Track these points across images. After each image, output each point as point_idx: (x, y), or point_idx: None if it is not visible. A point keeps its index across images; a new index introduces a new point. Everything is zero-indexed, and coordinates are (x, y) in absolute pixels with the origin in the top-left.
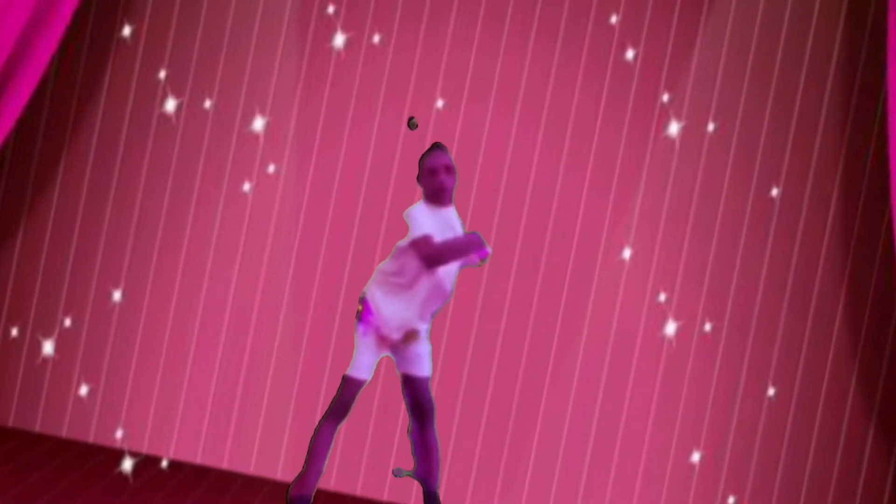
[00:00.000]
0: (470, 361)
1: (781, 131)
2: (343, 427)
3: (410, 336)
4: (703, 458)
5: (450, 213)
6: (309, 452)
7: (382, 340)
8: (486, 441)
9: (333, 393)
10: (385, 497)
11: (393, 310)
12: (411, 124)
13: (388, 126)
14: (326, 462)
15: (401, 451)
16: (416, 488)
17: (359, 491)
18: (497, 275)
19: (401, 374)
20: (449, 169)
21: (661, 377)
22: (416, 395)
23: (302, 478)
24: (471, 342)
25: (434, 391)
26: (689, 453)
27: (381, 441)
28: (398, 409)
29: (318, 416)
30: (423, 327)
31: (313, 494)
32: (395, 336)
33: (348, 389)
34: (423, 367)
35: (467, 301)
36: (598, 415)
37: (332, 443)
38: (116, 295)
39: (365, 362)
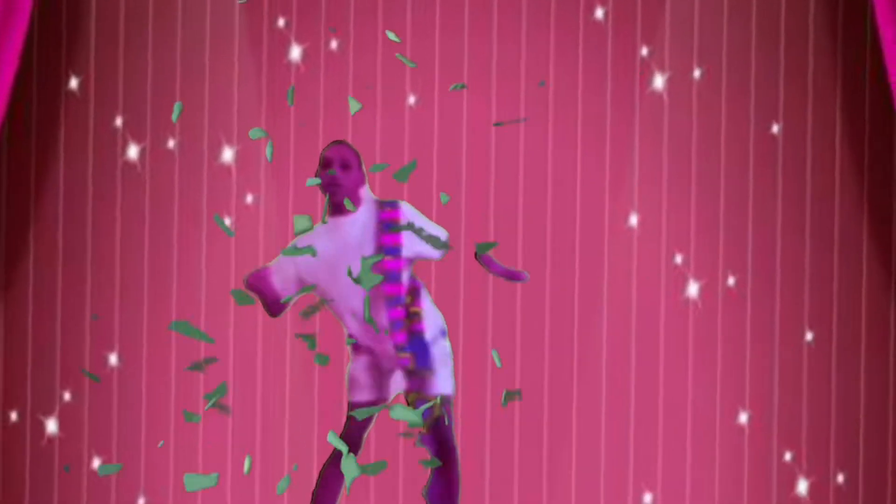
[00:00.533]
0: (491, 362)
1: (771, 64)
2: None
3: (419, 373)
4: (751, 418)
5: (349, 222)
6: (312, 498)
7: (378, 363)
8: (523, 438)
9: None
10: None
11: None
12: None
13: (363, 132)
14: None
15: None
16: None
17: None
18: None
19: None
20: (346, 164)
21: (692, 341)
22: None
23: None
24: (488, 341)
25: (459, 395)
26: (736, 414)
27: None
28: None
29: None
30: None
31: None
32: (388, 365)
33: (348, 418)
34: (435, 383)
35: (477, 302)
36: (634, 391)
37: (341, 487)
38: (112, 359)
39: (363, 380)
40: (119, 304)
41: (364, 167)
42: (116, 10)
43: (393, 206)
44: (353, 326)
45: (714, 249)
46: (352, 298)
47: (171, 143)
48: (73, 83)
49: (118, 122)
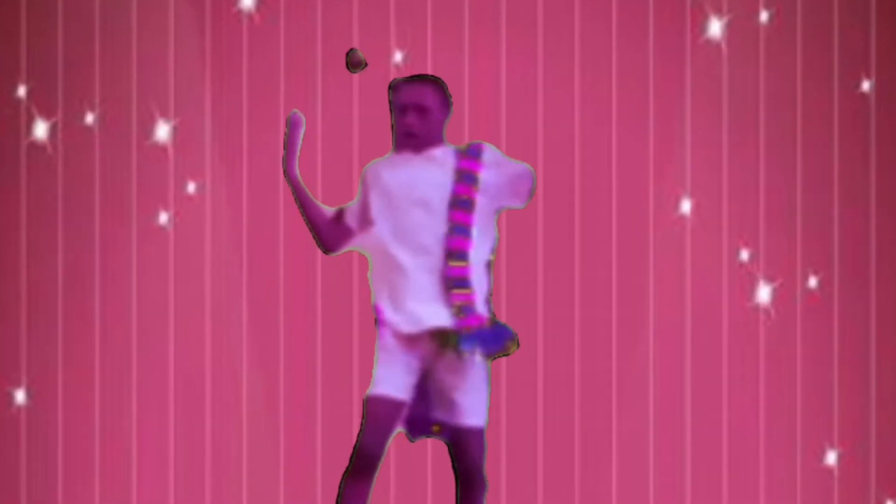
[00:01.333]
0: (511, 369)
1: (860, 4)
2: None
3: (446, 340)
4: (841, 457)
5: (424, 162)
6: None
7: (405, 343)
8: (549, 467)
9: (328, 456)
10: None
11: (392, 296)
12: (353, 61)
13: (335, 99)
14: None
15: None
16: None
17: None
18: (519, 263)
19: (434, 419)
20: (422, 108)
21: (763, 358)
22: (457, 453)
23: None
24: (504, 368)
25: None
26: (823, 453)
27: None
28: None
29: (317, 484)
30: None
31: None
32: (411, 328)
33: (365, 411)
34: (464, 411)
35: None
36: (690, 422)
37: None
38: (20, 396)
39: (383, 374)
40: (26, 326)
41: (450, 102)
42: None
43: (474, 153)
44: (401, 257)
45: (790, 242)
46: (418, 232)
47: (89, 118)
48: None
49: (21, 91)
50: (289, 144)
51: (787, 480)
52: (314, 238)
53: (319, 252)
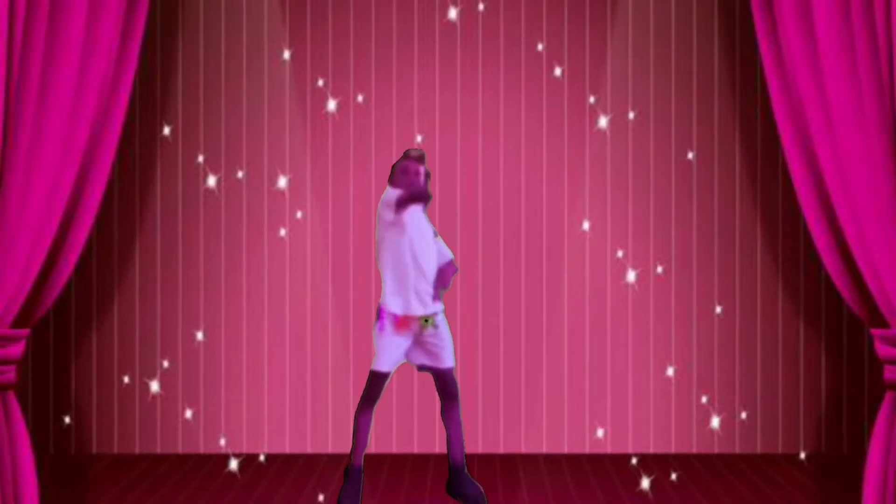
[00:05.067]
0: (482, 327)
1: (686, 107)
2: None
3: (428, 322)
4: (676, 371)
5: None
6: (353, 434)
7: (400, 327)
8: (506, 388)
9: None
10: (415, 449)
11: (393, 288)
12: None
13: (382, 163)
14: (369, 439)
15: (422, 412)
16: (439, 440)
17: (394, 449)
18: (489, 260)
19: (422, 366)
20: (417, 172)
21: (631, 315)
22: (441, 384)
23: (352, 454)
24: (479, 312)
25: (458, 360)
26: (665, 369)
27: (405, 404)
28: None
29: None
30: (435, 306)
31: (362, 464)
32: (418, 311)
33: (374, 381)
34: (444, 358)
35: (471, 280)
36: (588, 353)
37: (371, 424)
38: (199, 336)
39: (384, 358)
40: (203, 296)
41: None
42: (197, 73)
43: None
44: (407, 263)
45: (646, 246)
46: (422, 254)
47: (239, 174)
48: (166, 130)
49: (200, 158)
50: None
51: (644, 385)
52: None
53: (371, 249)
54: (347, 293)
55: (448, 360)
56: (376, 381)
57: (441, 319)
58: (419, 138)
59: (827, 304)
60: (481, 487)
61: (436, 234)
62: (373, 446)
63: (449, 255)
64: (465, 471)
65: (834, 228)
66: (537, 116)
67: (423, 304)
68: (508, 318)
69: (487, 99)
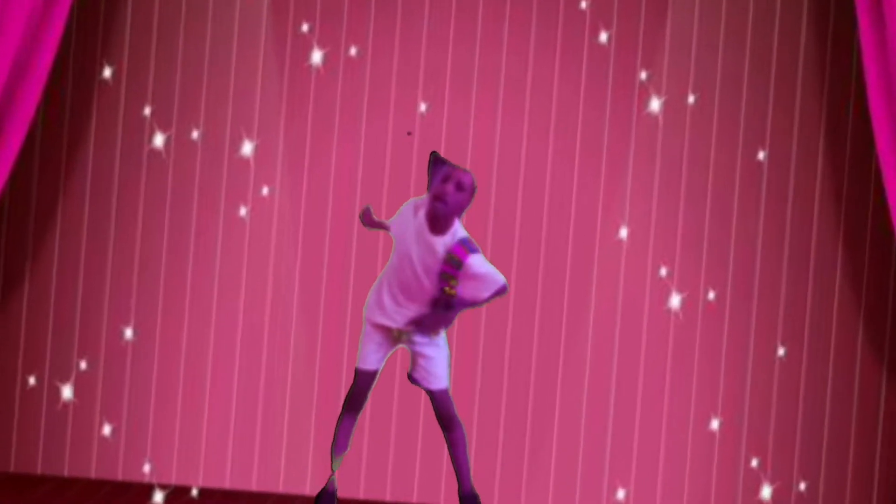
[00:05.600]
0: (483, 353)
1: (761, 94)
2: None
3: (401, 334)
4: (722, 424)
5: (431, 240)
6: (333, 441)
7: (377, 329)
8: (507, 429)
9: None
10: (415, 499)
11: (373, 294)
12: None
13: (375, 136)
14: (349, 445)
15: (426, 452)
16: (444, 488)
17: (388, 496)
18: (498, 268)
19: (412, 378)
20: (461, 186)
21: (671, 349)
22: (433, 406)
23: (332, 466)
24: (481, 336)
25: (453, 388)
26: (708, 421)
27: (405, 444)
28: (420, 409)
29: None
30: (404, 321)
31: (335, 489)
32: (381, 320)
33: (355, 380)
34: (431, 380)
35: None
36: (614, 393)
37: (353, 428)
38: (128, 333)
39: (365, 352)
40: (137, 282)
41: (474, 196)
42: (151, 5)
43: (467, 250)
44: (396, 279)
45: (697, 265)
46: (408, 274)
47: (194, 134)
48: (107, 72)
49: (146, 111)
50: (371, 223)
51: (680, 438)
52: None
53: (355, 236)
54: (318, 294)
55: (435, 383)
56: (357, 380)
57: (441, 335)
58: (423, 107)
59: None
60: None
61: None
62: (361, 492)
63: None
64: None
65: None
66: (573, 91)
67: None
68: (517, 342)
69: (513, 64)
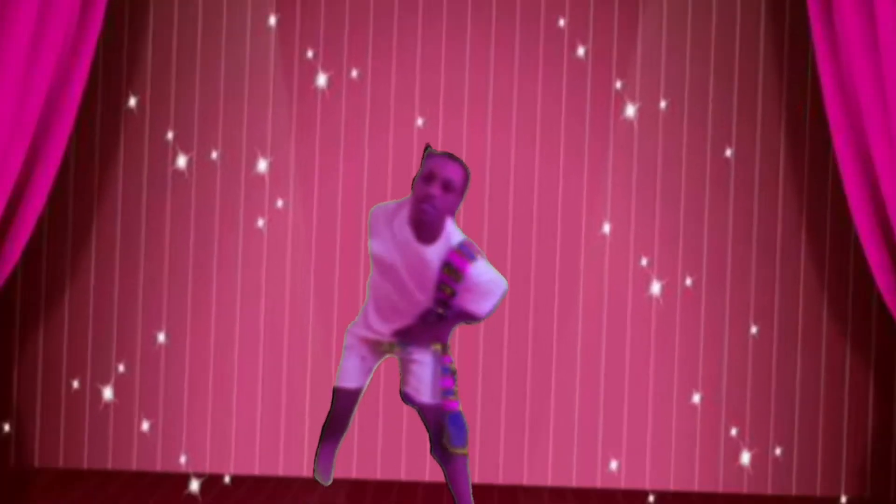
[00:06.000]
0: (483, 340)
1: (726, 98)
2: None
3: (392, 346)
4: (703, 399)
5: (419, 250)
6: (315, 466)
7: (362, 342)
8: (508, 410)
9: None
10: (402, 476)
11: (359, 316)
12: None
13: (377, 149)
14: (332, 472)
15: (411, 436)
16: (429, 467)
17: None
18: (494, 264)
19: (405, 396)
20: (448, 185)
21: (654, 332)
22: (426, 427)
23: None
24: (481, 327)
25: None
26: (690, 395)
27: (392, 427)
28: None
29: None
30: (390, 333)
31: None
32: (366, 334)
33: (334, 401)
34: (423, 391)
35: None
36: (604, 374)
37: (336, 454)
38: (161, 337)
39: (347, 367)
40: (167, 292)
41: (466, 191)
42: (170, 40)
43: (467, 257)
44: (383, 296)
45: (674, 254)
46: (396, 289)
47: (213, 155)
48: (132, 102)
49: (169, 135)
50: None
51: (665, 412)
52: None
53: (361, 244)
54: (331, 294)
55: (421, 396)
56: (335, 399)
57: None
58: (419, 122)
59: (878, 329)
60: None
61: None
62: (354, 472)
63: None
64: None
65: (889, 243)
66: (555, 102)
67: None
68: (514, 330)
69: (500, 80)
